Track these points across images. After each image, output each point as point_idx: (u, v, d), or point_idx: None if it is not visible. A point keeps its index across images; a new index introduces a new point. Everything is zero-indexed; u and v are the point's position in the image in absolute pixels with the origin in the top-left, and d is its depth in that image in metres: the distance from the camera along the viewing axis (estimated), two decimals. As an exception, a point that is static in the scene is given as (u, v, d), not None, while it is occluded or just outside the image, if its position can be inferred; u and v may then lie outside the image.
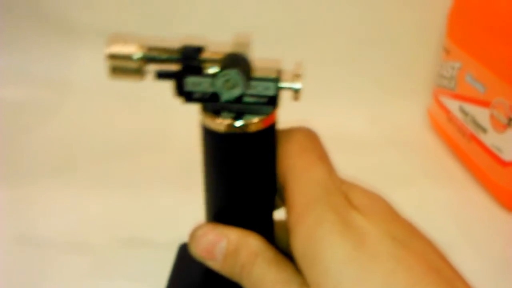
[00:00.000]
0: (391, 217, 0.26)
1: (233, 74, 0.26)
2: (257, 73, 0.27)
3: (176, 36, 0.68)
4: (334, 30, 0.67)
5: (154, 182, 0.56)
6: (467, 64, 0.56)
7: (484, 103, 0.52)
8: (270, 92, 0.27)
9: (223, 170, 0.29)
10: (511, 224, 0.50)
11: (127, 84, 0.68)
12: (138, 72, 0.28)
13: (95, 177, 0.56)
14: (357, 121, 0.68)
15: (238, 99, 0.27)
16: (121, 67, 0.28)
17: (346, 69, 0.69)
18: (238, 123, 0.27)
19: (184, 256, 0.43)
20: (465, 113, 0.56)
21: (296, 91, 0.27)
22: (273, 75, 0.27)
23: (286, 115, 0.35)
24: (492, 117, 0.51)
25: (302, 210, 0.26)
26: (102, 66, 0.68)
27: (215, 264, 0.29)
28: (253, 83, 0.27)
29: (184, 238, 0.46)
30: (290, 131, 0.30)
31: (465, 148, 0.57)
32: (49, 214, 0.51)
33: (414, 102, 0.69)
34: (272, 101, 0.27)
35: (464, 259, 0.45)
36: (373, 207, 0.26)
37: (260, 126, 0.27)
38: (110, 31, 0.67)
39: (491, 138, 0.52)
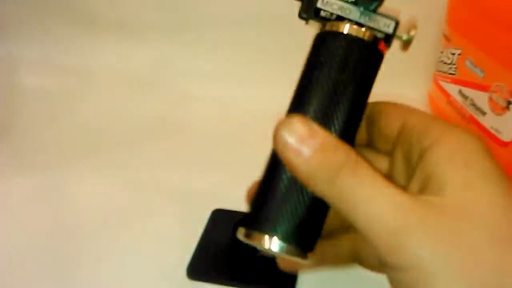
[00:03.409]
0: None
1: None
2: (381, 10, 0.27)
3: (193, 27, 0.69)
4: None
5: (177, 164, 0.57)
6: (467, 50, 0.56)
7: (483, 87, 0.53)
8: (389, 30, 0.27)
9: (337, 73, 0.26)
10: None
11: (146, 73, 0.70)
12: None
13: (121, 161, 0.57)
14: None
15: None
16: None
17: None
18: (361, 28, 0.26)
19: (215, 220, 0.47)
20: (464, 96, 0.57)
21: (407, 42, 0.28)
22: (395, 16, 0.27)
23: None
24: (491, 100, 0.52)
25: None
26: (123, 56, 0.71)
27: (298, 159, 0.23)
28: (376, 16, 0.27)
29: (206, 214, 0.48)
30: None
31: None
32: (79, 197, 0.52)
33: (415, 87, 0.70)
34: (387, 39, 0.27)
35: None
36: None
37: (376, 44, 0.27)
38: (131, 23, 0.68)
39: (490, 120, 0.53)
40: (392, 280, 0.22)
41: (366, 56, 0.27)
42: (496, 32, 0.51)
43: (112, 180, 0.54)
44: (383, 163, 0.29)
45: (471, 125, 0.56)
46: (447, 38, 0.61)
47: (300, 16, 0.28)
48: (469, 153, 0.23)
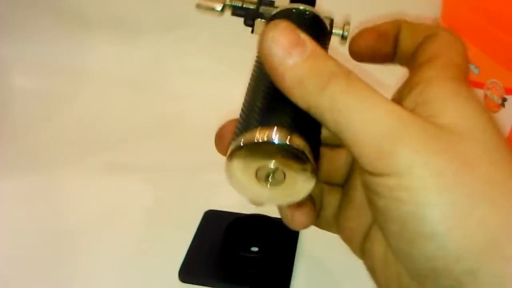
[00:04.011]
0: None
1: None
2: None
3: (185, 25, 0.68)
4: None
5: (170, 165, 0.56)
6: (462, 47, 0.56)
7: (479, 85, 0.52)
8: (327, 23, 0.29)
9: None
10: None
11: (138, 72, 0.69)
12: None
13: (114, 162, 0.57)
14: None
15: None
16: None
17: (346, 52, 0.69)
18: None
19: (208, 221, 0.47)
20: (460, 93, 0.57)
21: (343, 36, 0.29)
22: (329, 16, 0.29)
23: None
24: (486, 97, 0.52)
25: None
26: (115, 56, 0.70)
27: (285, 66, 0.21)
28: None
29: (198, 215, 0.48)
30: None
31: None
32: (69, 200, 0.52)
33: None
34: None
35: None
36: None
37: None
38: (123, 23, 0.68)
39: (485, 117, 0.52)
40: (376, 187, 0.21)
41: (317, 18, 0.28)
42: (490, 29, 0.50)
43: (105, 181, 0.54)
44: None
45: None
46: (442, 34, 0.60)
47: (245, 23, 0.30)
48: (465, 92, 0.22)
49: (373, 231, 0.26)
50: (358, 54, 0.29)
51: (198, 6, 0.30)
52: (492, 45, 0.50)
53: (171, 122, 0.63)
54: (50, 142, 0.60)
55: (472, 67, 0.53)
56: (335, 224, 0.30)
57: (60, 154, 0.58)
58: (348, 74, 0.21)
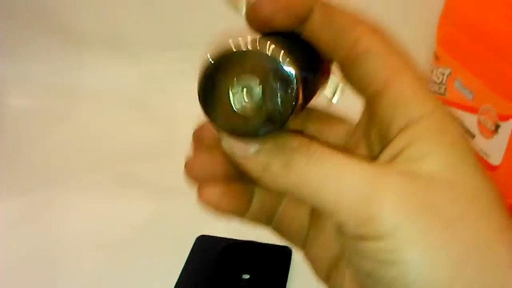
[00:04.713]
0: None
1: None
2: None
3: (181, 44, 0.69)
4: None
5: (163, 187, 0.56)
6: (456, 71, 0.56)
7: (472, 110, 0.53)
8: None
9: None
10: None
11: (134, 91, 0.70)
12: None
13: (107, 182, 0.57)
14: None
15: None
16: None
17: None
18: None
19: (200, 247, 0.47)
20: (454, 117, 0.57)
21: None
22: None
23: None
24: (479, 123, 0.52)
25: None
26: (109, 74, 0.70)
27: (246, 157, 0.22)
28: None
29: (191, 240, 0.48)
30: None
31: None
32: (63, 218, 0.52)
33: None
34: None
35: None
36: None
37: None
38: (119, 42, 0.68)
39: (479, 143, 0.52)
40: (361, 251, 0.20)
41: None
42: (484, 54, 0.50)
43: (98, 202, 0.54)
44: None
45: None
46: (437, 57, 0.61)
47: None
48: (451, 134, 0.21)
49: (343, 265, 0.25)
50: (255, 23, 0.24)
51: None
52: (487, 71, 0.50)
53: (165, 143, 0.63)
54: (45, 161, 0.60)
55: (466, 92, 0.54)
56: (298, 239, 0.28)
57: (55, 173, 0.58)
58: (309, 145, 0.21)
